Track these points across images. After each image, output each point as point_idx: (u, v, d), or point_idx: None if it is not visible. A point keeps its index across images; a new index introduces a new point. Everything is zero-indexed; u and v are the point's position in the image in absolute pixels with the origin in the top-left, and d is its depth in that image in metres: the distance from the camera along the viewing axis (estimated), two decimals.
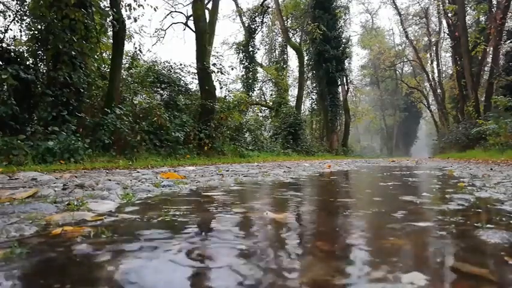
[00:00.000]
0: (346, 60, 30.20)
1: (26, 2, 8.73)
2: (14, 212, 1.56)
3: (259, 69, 29.45)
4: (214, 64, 13.98)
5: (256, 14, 28.76)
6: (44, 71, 8.37)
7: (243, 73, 27.79)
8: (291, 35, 28.85)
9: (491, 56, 22.55)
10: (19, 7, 8.88)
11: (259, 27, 29.57)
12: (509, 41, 21.03)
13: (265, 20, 29.85)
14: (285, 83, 27.36)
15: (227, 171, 5.50)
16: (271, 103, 27.65)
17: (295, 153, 20.50)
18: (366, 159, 22.68)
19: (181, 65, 15.17)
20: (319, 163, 10.49)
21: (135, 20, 10.40)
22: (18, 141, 6.13)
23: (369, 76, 50.05)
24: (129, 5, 9.83)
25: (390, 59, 41.09)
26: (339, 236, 1.28)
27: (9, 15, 8.89)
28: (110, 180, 3.31)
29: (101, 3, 9.47)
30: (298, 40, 29.85)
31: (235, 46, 28.78)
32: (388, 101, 56.52)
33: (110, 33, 10.78)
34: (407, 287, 0.75)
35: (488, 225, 1.36)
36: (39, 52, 8.32)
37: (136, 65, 14.31)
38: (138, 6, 10.09)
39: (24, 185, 2.90)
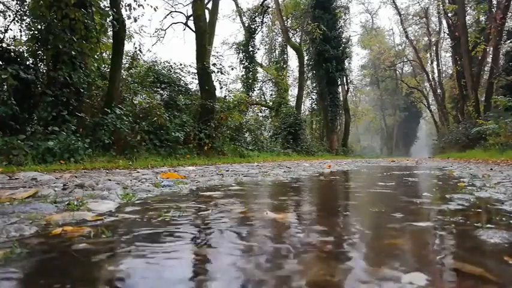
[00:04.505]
0: (346, 60, 30.21)
1: (26, 2, 8.73)
2: (14, 212, 1.56)
3: (259, 69, 29.43)
4: (214, 64, 13.97)
5: (256, 14, 28.75)
6: (44, 71, 8.36)
7: (243, 73, 27.78)
8: (291, 35, 28.83)
9: (491, 56, 22.55)
10: (19, 7, 8.88)
11: (259, 27, 29.58)
12: (509, 41, 21.05)
13: (265, 20, 29.86)
14: (285, 83, 27.34)
15: (227, 171, 5.50)
16: (271, 103, 27.63)
17: (295, 153, 20.49)
18: (366, 159, 22.68)
19: (181, 65, 15.20)
20: (319, 163, 10.49)
21: (135, 20, 10.40)
22: (18, 141, 6.13)
23: (369, 76, 50.04)
24: (129, 5, 9.83)
25: (390, 59, 41.08)
26: (339, 235, 1.28)
27: (9, 15, 8.90)
28: (110, 180, 3.31)
29: (101, 3, 9.46)
30: (298, 40, 29.82)
31: (235, 46, 28.77)
32: (388, 101, 56.52)
33: (110, 33, 10.77)
34: (407, 287, 0.75)
35: (488, 225, 1.36)
36: (39, 52, 8.31)
37: (136, 65, 14.31)
38: (138, 6, 10.08)
39: (24, 185, 2.90)
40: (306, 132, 26.48)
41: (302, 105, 29.45)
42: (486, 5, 21.93)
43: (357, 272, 0.86)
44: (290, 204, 2.08)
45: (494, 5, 21.82)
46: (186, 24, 23.43)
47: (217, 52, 17.01)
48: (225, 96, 16.44)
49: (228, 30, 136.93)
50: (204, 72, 12.83)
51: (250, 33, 28.45)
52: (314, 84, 30.40)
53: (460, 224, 1.42)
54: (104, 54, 11.56)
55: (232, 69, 17.73)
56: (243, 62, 27.79)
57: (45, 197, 2.07)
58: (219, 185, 3.12)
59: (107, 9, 9.38)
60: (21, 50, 8.43)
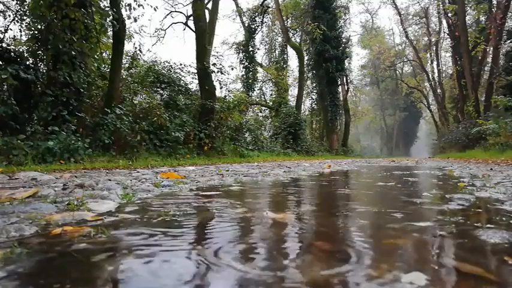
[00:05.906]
0: (346, 60, 30.19)
1: (26, 2, 8.73)
2: (14, 212, 1.56)
3: (259, 69, 29.46)
4: (214, 64, 13.98)
5: (256, 13, 28.77)
6: (44, 71, 8.37)
7: (243, 73, 27.81)
8: (291, 35, 28.85)
9: (491, 56, 22.54)
10: (19, 7, 8.88)
11: (259, 27, 29.63)
12: (509, 41, 21.01)
13: (265, 20, 29.91)
14: (285, 83, 27.36)
15: (227, 171, 5.50)
16: (271, 103, 27.64)
17: (295, 153, 20.50)
18: (366, 159, 22.68)
19: (181, 65, 15.20)
20: (319, 163, 10.49)
21: (135, 20, 10.42)
22: (18, 141, 6.13)
23: (369, 76, 50.08)
24: (129, 5, 9.84)
25: (390, 59, 41.10)
26: (339, 235, 1.28)
27: (9, 15, 8.90)
28: (109, 180, 3.31)
29: (101, 3, 9.46)
30: (298, 40, 29.85)
31: (235, 46, 28.81)
32: (388, 101, 56.54)
33: (110, 33, 10.78)
34: (407, 287, 0.75)
35: (488, 225, 1.36)
36: (39, 52, 8.31)
37: (136, 65, 14.31)
38: (138, 6, 10.10)
39: (24, 184, 2.90)
40: (306, 132, 26.48)
41: (302, 105, 29.48)
42: (486, 5, 21.93)
43: (357, 271, 0.86)
44: (290, 204, 2.08)
45: (494, 5, 21.82)
46: (186, 24, 23.45)
47: (217, 52, 17.03)
48: (225, 96, 16.46)
49: (228, 30, 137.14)
50: (204, 72, 12.83)
51: (250, 33, 28.46)
52: (314, 84, 30.42)
53: (460, 224, 1.42)
54: (104, 54, 11.56)
55: (232, 69, 17.79)
56: (243, 62, 27.81)
57: (45, 197, 2.07)
58: (219, 185, 3.12)
59: (107, 9, 9.39)
60: (21, 50, 8.43)
